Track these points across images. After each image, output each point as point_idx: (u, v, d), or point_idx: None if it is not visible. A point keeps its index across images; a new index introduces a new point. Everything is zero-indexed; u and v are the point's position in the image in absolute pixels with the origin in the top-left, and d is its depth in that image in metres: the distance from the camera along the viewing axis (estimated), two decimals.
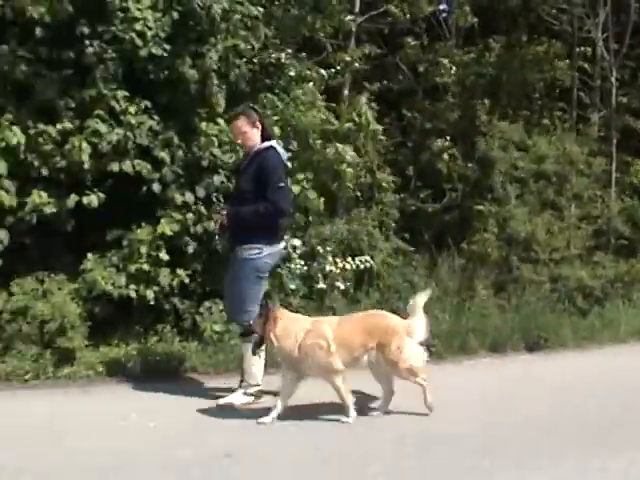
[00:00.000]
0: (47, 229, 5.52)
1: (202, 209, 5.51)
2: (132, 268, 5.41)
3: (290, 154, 5.24)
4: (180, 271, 5.39)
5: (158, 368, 5.28)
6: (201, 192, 5.43)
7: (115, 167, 5.30)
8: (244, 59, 5.62)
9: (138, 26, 5.39)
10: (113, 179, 5.49)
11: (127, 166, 5.29)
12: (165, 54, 5.31)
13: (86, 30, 5.40)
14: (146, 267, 5.33)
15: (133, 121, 5.28)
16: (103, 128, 5.31)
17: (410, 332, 3.85)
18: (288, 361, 3.87)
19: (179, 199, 5.33)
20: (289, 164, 4.55)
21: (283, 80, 5.88)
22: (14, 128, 5.29)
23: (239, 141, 4.23)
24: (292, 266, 5.78)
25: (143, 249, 5.38)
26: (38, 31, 5.43)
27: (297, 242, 5.84)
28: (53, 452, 3.69)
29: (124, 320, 5.61)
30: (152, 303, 5.43)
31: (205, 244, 5.69)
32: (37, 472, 3.41)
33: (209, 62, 5.38)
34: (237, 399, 4.12)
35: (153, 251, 5.35)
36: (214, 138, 5.38)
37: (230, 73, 5.56)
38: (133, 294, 5.39)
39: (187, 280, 5.41)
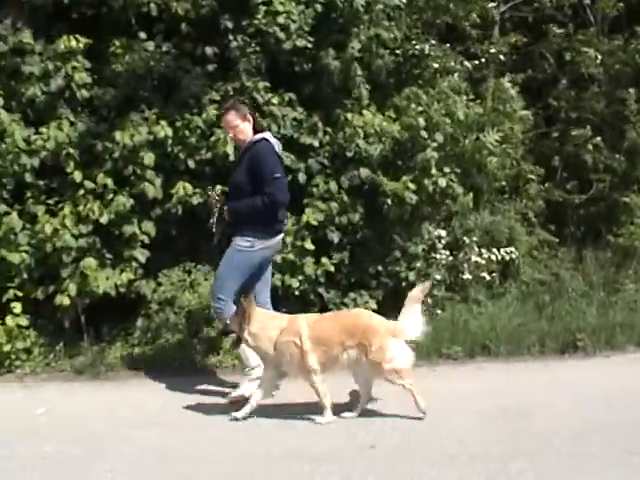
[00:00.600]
0: (192, 220, 5.93)
1: (346, 199, 5.90)
2: (277, 258, 5.71)
3: (436, 144, 5.83)
4: (325, 260, 5.81)
5: None
6: (346, 183, 6.04)
7: None
8: (387, 50, 5.96)
9: (281, 19, 5.87)
10: None
11: None
12: (309, 46, 6.02)
13: (230, 24, 5.93)
14: (291, 257, 5.77)
15: (277, 112, 5.92)
16: None
17: (395, 333, 3.94)
18: (265, 359, 4.07)
19: (324, 189, 6.00)
20: (282, 155, 4.71)
21: (427, 72, 6.23)
22: (161, 122, 5.84)
23: (230, 135, 4.59)
24: (437, 256, 6.13)
25: (288, 239, 5.76)
26: (183, 27, 6.01)
27: (442, 232, 6.21)
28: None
29: None
30: (297, 293, 5.82)
31: (350, 235, 6.06)
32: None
33: (352, 53, 6.06)
34: (246, 389, 4.31)
35: (298, 241, 5.88)
36: (359, 129, 5.71)
37: (373, 64, 5.92)
38: (278, 283, 5.75)
39: (332, 269, 5.82)
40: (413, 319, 4.01)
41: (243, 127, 4.42)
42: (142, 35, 5.91)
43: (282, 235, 4.63)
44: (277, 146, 4.44)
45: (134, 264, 5.77)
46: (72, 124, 5.87)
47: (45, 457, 3.78)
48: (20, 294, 5.71)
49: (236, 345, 4.29)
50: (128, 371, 5.56)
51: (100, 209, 5.61)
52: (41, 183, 5.88)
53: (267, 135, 4.45)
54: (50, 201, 5.83)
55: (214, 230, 4.62)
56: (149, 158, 5.77)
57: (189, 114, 5.92)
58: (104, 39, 6.03)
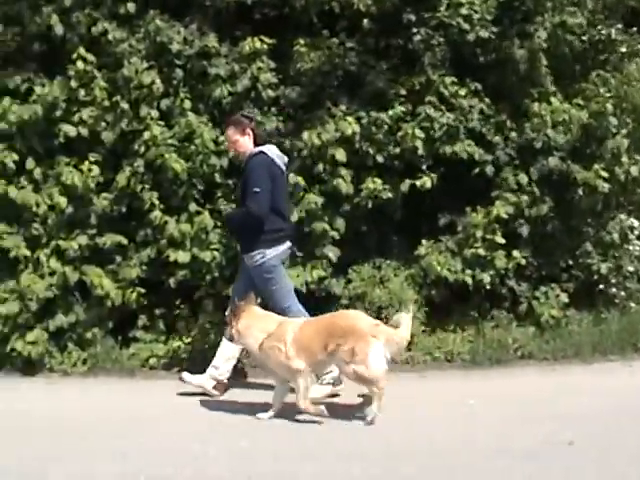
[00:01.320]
0: (381, 216, 6.57)
1: (536, 191, 6.35)
2: (467, 253, 6.31)
3: (625, 130, 6.30)
4: (516, 253, 6.21)
5: (492, 354, 6.21)
6: (535, 174, 6.43)
7: (448, 150, 6.32)
8: (574, 36, 6.27)
9: (464, 10, 6.37)
10: (445, 164, 6.46)
11: (460, 149, 6.31)
12: (492, 36, 6.47)
13: (412, 18, 6.48)
14: (481, 251, 6.19)
15: (464, 104, 6.39)
16: (434, 113, 6.36)
17: (377, 333, 4.24)
18: (253, 357, 4.58)
19: (513, 181, 6.46)
20: (284, 167, 5.12)
21: (614, 57, 6.50)
22: (348, 118, 6.40)
23: (232, 150, 5.25)
24: (630, 247, 6.52)
25: (478, 233, 6.28)
26: (365, 22, 6.60)
27: (635, 222, 6.60)
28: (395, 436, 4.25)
29: (460, 305, 6.57)
30: (488, 287, 6.32)
31: (539, 227, 6.53)
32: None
33: (537, 41, 6.47)
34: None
35: (488, 234, 6.32)
36: (547, 119, 6.08)
37: (559, 51, 6.30)
38: (469, 279, 6.28)
39: (523, 262, 6.22)
40: (400, 335, 4.33)
41: (242, 141, 4.99)
42: (325, 33, 6.42)
43: (289, 244, 5.03)
44: (278, 158, 4.92)
45: (324, 261, 6.34)
46: (259, 124, 6.30)
47: None
48: (212, 291, 6.41)
49: (231, 340, 4.72)
50: None
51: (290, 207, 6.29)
52: (230, 182, 6.48)
53: (265, 148, 4.91)
54: None
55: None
56: (341, 154, 6.34)
57: (375, 110, 6.50)
58: (287, 39, 6.67)
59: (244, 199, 4.84)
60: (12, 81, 6.67)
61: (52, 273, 6.36)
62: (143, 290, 6.42)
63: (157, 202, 6.43)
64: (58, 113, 6.56)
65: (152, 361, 6.09)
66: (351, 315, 4.59)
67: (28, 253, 6.39)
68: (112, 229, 6.54)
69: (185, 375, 5.18)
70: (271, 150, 4.93)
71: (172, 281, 6.43)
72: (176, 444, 4.21)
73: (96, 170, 6.42)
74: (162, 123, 6.51)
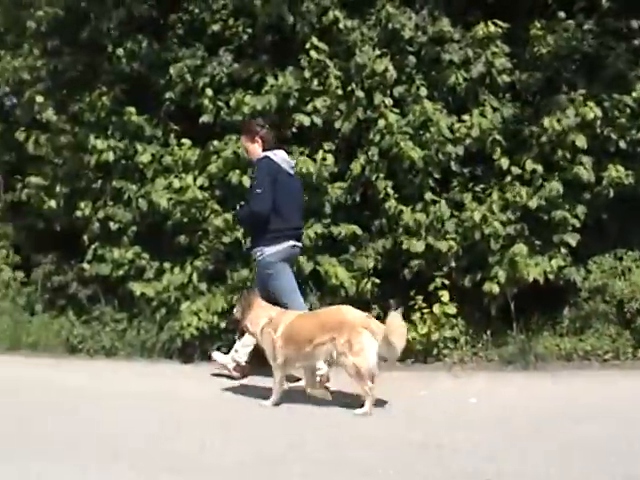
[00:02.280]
0: (623, 204, 6.95)
1: None
2: None
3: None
4: None
5: None
6: None
7: None
8: None
9: None
10: None
11: None
12: None
13: None
14: None
15: None
16: None
17: (369, 327, 4.93)
18: (258, 343, 5.46)
19: None
20: (291, 170, 6.09)
21: None
22: (589, 103, 6.85)
23: (247, 155, 6.30)
24: None
25: None
26: (603, 2, 7.08)
27: None
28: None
29: None
30: None
31: None
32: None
33: None
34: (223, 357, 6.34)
35: None
36: None
37: None
38: None
39: None
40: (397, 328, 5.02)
41: (252, 148, 6.03)
42: (561, 15, 6.87)
43: (291, 243, 5.87)
44: (284, 162, 5.89)
45: (563, 250, 6.85)
46: (495, 110, 7.06)
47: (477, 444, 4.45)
48: (447, 282, 6.83)
49: (240, 333, 5.83)
50: (557, 362, 6.46)
51: (529, 195, 6.71)
52: (466, 171, 7.17)
53: (272, 153, 5.84)
54: (477, 188, 7.13)
55: None
56: (581, 140, 6.79)
57: (617, 93, 6.94)
58: (521, 22, 7.22)
59: (249, 199, 5.83)
60: (245, 72, 7.58)
61: None
62: (377, 280, 7.10)
63: (392, 191, 7.10)
64: (292, 103, 7.38)
65: None
66: (342, 309, 5.27)
67: None
68: (346, 218, 7.25)
69: (215, 354, 6.39)
70: (277, 155, 5.89)
71: (407, 271, 7.10)
72: None
73: (330, 159, 7.15)
74: (396, 111, 7.19)
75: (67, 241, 8.60)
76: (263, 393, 5.59)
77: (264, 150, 5.91)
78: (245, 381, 6.16)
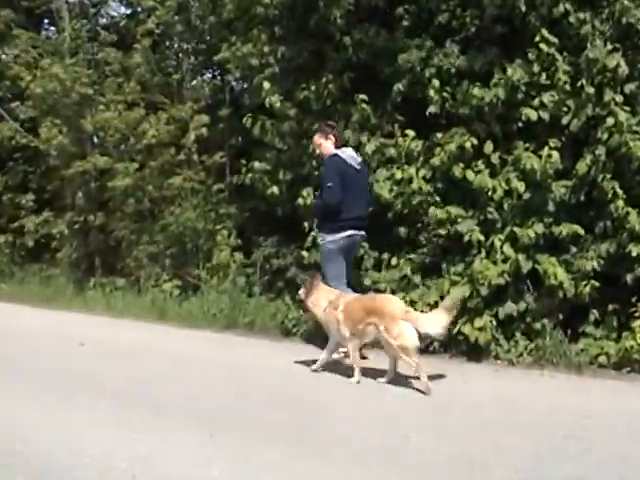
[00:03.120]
0: None
1: None
2: None
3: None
4: None
5: None
6: None
7: None
8: None
9: None
10: None
11: None
12: None
13: None
14: None
15: None
16: None
17: (408, 319, 6.28)
18: (320, 321, 6.88)
19: None
20: (357, 166, 7.53)
21: None
22: None
23: (317, 152, 7.69)
24: None
25: None
26: None
27: None
28: None
29: None
30: None
31: None
32: None
33: None
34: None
35: None
36: None
37: None
38: None
39: None
40: (435, 317, 6.35)
41: (325, 145, 7.45)
42: None
43: (349, 232, 7.27)
44: (350, 159, 7.29)
45: None
46: None
47: None
48: None
49: (303, 311, 7.53)
50: None
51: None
52: None
53: (340, 151, 7.28)
54: None
55: None
56: None
57: None
58: None
59: (321, 191, 7.18)
60: (474, 64, 8.22)
61: (505, 260, 7.60)
62: (597, 284, 7.47)
63: (619, 192, 7.45)
64: (519, 97, 7.91)
65: (601, 359, 6.87)
66: (385, 299, 6.69)
67: (482, 238, 7.77)
68: (569, 218, 7.65)
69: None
70: (346, 152, 7.31)
71: (629, 277, 7.43)
72: None
73: (555, 156, 7.58)
74: (627, 109, 7.52)
75: (288, 226, 9.62)
76: None
77: (336, 148, 7.23)
78: None
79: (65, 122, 11.57)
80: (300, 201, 8.89)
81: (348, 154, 7.31)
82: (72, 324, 9.66)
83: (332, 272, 7.24)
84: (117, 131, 10.83)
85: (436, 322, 6.32)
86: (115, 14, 12.69)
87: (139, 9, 12.46)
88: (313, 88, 9.12)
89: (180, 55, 11.60)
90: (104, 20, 12.83)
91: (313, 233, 8.02)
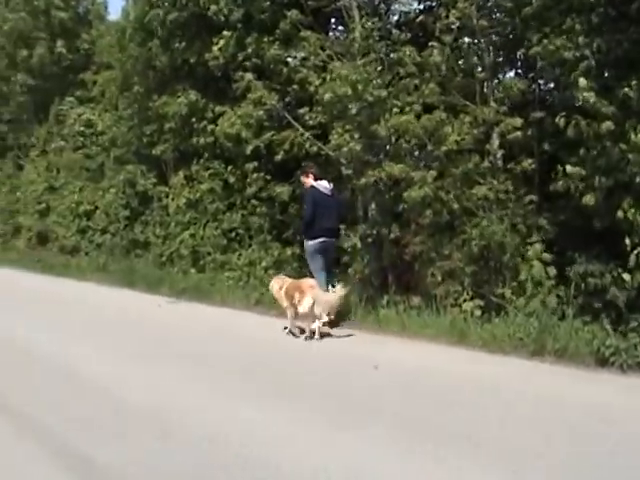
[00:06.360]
0: None
1: None
2: None
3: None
4: None
5: None
6: None
7: None
8: None
9: None
10: None
11: None
12: None
13: None
14: None
15: None
16: None
17: (314, 294, 10.35)
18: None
19: None
20: (329, 192, 11.73)
21: None
22: None
23: (303, 185, 11.83)
24: None
25: None
26: None
27: None
28: None
29: None
30: None
31: None
32: None
33: None
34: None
35: None
36: None
37: None
38: None
39: None
40: (329, 296, 10.39)
41: (305, 180, 11.55)
42: None
43: (322, 239, 11.44)
44: (323, 188, 11.46)
45: None
46: None
47: None
48: None
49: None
50: None
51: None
52: None
53: (315, 183, 11.47)
54: None
55: None
56: None
57: None
58: None
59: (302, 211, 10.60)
60: None
61: None
62: None
63: None
64: None
65: None
66: (305, 281, 10.64)
67: None
68: None
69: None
70: (320, 184, 11.29)
71: None
72: None
73: None
74: None
75: (606, 240, 9.41)
76: None
77: (314, 180, 11.30)
78: None
79: (357, 127, 11.76)
80: (620, 214, 8.76)
81: (322, 185, 11.40)
82: (364, 343, 10.22)
83: (313, 266, 11.29)
84: (414, 136, 10.83)
85: (328, 298, 10.21)
86: (407, 9, 12.63)
87: (433, 3, 12.48)
88: (634, 83, 8.85)
89: (480, 52, 11.47)
90: (396, 17, 12.82)
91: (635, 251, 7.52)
